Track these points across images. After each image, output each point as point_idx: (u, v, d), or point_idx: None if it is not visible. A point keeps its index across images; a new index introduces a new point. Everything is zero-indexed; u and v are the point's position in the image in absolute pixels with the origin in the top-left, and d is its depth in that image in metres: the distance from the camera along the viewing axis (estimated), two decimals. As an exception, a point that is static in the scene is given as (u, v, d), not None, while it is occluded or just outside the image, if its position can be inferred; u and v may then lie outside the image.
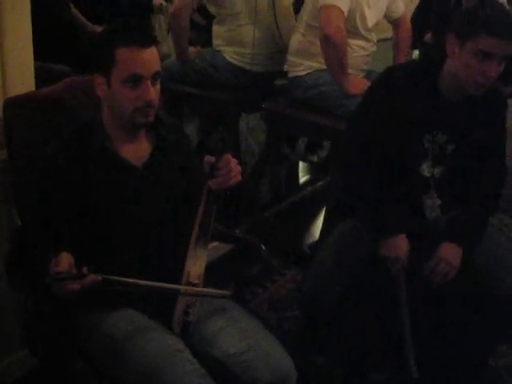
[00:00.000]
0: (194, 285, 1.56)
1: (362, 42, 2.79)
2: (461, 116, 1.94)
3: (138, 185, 1.63)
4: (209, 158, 1.55)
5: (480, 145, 1.99)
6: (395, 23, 2.96)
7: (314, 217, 3.33)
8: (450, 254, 1.96)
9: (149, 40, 1.55)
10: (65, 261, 1.40)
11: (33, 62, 1.87)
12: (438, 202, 2.02)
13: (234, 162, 1.56)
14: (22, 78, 1.84)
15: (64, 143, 1.61)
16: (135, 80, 1.52)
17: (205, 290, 1.56)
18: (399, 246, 1.94)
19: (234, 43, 2.94)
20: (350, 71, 2.71)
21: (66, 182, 1.56)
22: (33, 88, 1.87)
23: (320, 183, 3.59)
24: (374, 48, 2.87)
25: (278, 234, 3.07)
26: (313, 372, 1.99)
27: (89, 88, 1.81)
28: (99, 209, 1.58)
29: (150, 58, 1.54)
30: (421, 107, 1.92)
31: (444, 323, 2.14)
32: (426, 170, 1.98)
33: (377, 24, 2.84)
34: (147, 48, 1.53)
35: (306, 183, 3.76)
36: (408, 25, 2.99)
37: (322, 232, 2.82)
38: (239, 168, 1.57)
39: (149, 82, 1.54)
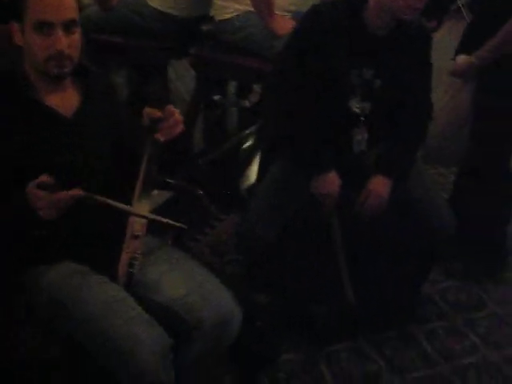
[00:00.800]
0: (137, 236, 1.56)
1: None
2: (386, 51, 1.97)
3: (69, 134, 1.60)
4: (151, 111, 1.53)
5: (405, 79, 2.03)
6: None
7: (249, 161, 3.35)
8: (380, 185, 2.02)
9: None
10: (46, 177, 1.40)
11: None
12: (366, 136, 2.06)
13: (177, 112, 1.55)
14: None
15: None
16: (45, 27, 1.48)
17: (169, 220, 1.57)
18: (330, 182, 1.99)
19: (159, -12, 2.86)
20: (276, 12, 2.68)
21: None
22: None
23: (253, 127, 3.59)
24: None
25: (215, 180, 3.08)
26: (256, 311, 2.04)
27: (6, 37, 1.77)
28: (32, 160, 1.55)
29: (60, 5, 1.49)
30: (347, 43, 1.94)
31: (377, 254, 2.22)
32: (355, 105, 2.02)
33: None
34: None
35: (239, 128, 3.76)
36: None
37: (258, 175, 2.85)
38: (181, 118, 1.56)
39: (60, 31, 1.49)
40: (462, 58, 2.39)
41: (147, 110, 1.54)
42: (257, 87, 4.15)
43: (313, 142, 2.00)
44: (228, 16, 2.75)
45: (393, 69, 2.00)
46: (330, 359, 2.16)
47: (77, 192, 1.41)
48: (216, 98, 3.86)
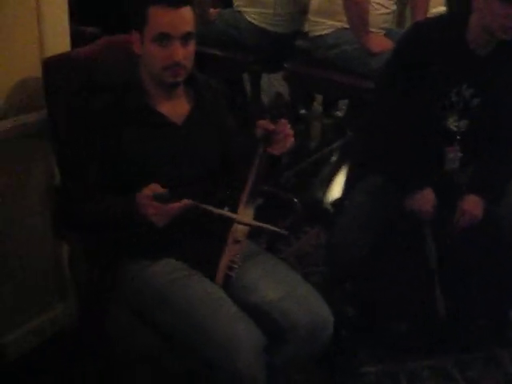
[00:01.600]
0: (238, 241, 1.63)
1: (382, 0, 2.79)
2: (487, 70, 1.98)
3: (178, 141, 1.68)
4: (264, 123, 1.58)
5: (504, 100, 2.03)
6: None
7: (333, 175, 3.38)
8: (474, 205, 2.02)
9: (180, 1, 1.56)
10: (157, 186, 1.49)
11: (68, 23, 1.91)
12: (460, 154, 2.07)
13: (289, 126, 1.60)
14: (59, 39, 1.88)
15: (104, 100, 1.66)
16: (164, 39, 1.56)
17: (270, 226, 1.62)
18: (425, 199, 2.01)
19: (255, 4, 2.96)
20: (370, 29, 2.73)
21: (108, 137, 1.62)
22: (69, 49, 1.91)
23: (338, 143, 3.63)
24: (395, 7, 2.89)
25: (300, 192, 3.12)
26: (343, 322, 2.06)
27: (124, 46, 1.87)
28: (140, 164, 1.64)
29: (179, 18, 1.56)
30: (449, 61, 1.96)
31: (468, 273, 2.20)
32: (451, 123, 2.03)
33: None
34: (179, 8, 1.55)
35: (324, 143, 3.81)
36: None
37: (344, 189, 2.88)
38: (292, 132, 1.61)
39: (177, 42, 1.57)
40: None
41: (261, 122, 1.58)
42: (341, 104, 4.21)
43: (409, 159, 2.02)
44: (322, 32, 2.82)
45: (492, 89, 2.00)
46: (411, 376, 2.15)
47: (187, 202, 1.49)
48: (302, 112, 3.93)
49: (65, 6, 1.88)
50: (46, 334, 2.13)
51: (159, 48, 1.57)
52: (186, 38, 1.58)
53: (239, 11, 3.02)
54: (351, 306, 2.16)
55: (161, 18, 1.55)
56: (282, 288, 1.64)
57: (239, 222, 1.62)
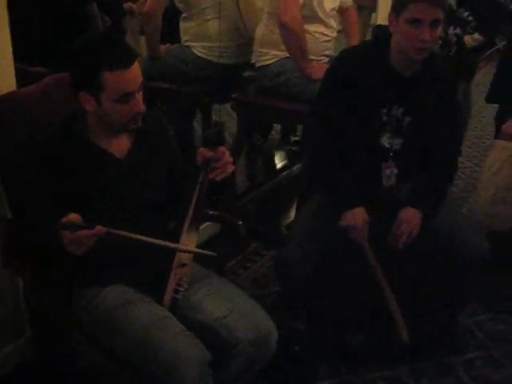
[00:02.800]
0: (184, 265, 1.69)
1: (321, 28, 2.90)
2: (413, 90, 2.10)
3: (122, 176, 1.74)
4: (204, 151, 1.65)
5: (433, 117, 2.14)
6: (345, 12, 3.09)
7: (290, 200, 3.47)
8: (411, 216, 2.11)
9: (132, 59, 1.61)
10: (75, 216, 1.53)
11: (13, 63, 1.97)
12: (395, 171, 2.17)
13: (227, 153, 1.67)
14: (3, 79, 1.93)
15: (50, 135, 1.71)
16: (126, 97, 1.62)
17: (196, 249, 1.69)
18: (356, 216, 2.08)
19: (202, 38, 3.06)
20: (311, 57, 2.84)
21: (51, 171, 1.66)
22: (14, 88, 1.97)
23: (295, 167, 3.73)
24: (335, 34, 3.00)
25: (256, 218, 3.20)
26: (294, 338, 2.12)
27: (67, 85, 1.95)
28: (86, 198, 1.69)
29: (135, 75, 1.62)
30: (375, 83, 2.07)
31: (413, 286, 2.28)
32: (385, 141, 2.14)
33: (335, 10, 2.96)
34: (131, 67, 1.61)
35: (283, 169, 3.90)
36: (355, 14, 3.14)
37: (296, 211, 2.96)
38: (231, 159, 1.69)
39: (137, 95, 1.64)
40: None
41: (201, 150, 1.65)
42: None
43: (342, 177, 2.11)
44: (267, 62, 2.93)
45: (421, 107, 2.12)
46: (368, 387, 2.22)
47: (99, 229, 1.52)
48: (259, 141, 4.03)
49: (9, 47, 1.94)
50: (5, 368, 2.15)
51: (121, 105, 1.63)
52: (140, 87, 1.65)
53: (187, 46, 3.12)
54: (301, 321, 2.21)
55: (119, 81, 1.59)
56: (227, 305, 1.70)
57: (177, 250, 1.68)
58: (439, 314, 2.34)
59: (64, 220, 1.52)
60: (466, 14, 2.83)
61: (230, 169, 1.69)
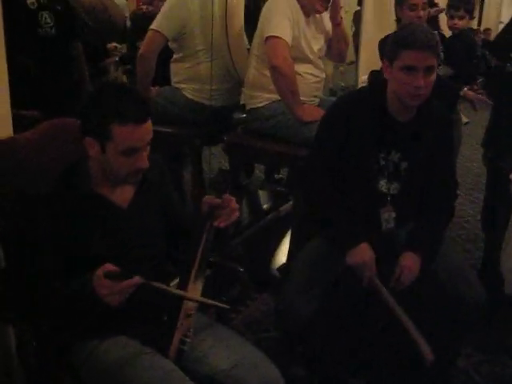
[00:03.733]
0: (190, 315, 1.66)
1: (311, 68, 2.93)
2: (410, 135, 2.11)
3: (124, 224, 1.72)
4: (210, 199, 1.64)
5: (430, 162, 2.16)
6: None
7: (279, 241, 3.45)
8: (411, 261, 2.10)
9: (145, 117, 1.60)
10: (111, 266, 1.49)
11: (10, 108, 1.95)
12: (393, 214, 2.17)
13: (233, 200, 1.66)
14: (1, 125, 1.92)
15: (53, 188, 1.68)
16: (132, 151, 1.60)
17: (213, 301, 1.65)
18: (363, 251, 2.06)
19: (193, 80, 3.07)
20: (302, 98, 2.85)
21: (54, 223, 1.63)
22: (11, 134, 1.95)
23: (282, 208, 3.72)
24: (324, 75, 3.04)
25: (246, 260, 3.18)
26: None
27: (66, 130, 1.94)
28: (88, 249, 1.65)
29: (146, 132, 1.61)
30: (373, 129, 2.09)
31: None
32: (383, 185, 2.15)
33: (322, 50, 2.99)
34: (144, 124, 1.60)
35: (268, 210, 3.89)
36: None
37: (289, 253, 2.95)
38: (237, 206, 1.68)
39: (143, 151, 1.63)
40: None
41: (207, 198, 1.65)
42: (283, 171, 4.35)
43: (343, 220, 2.10)
44: (258, 105, 2.93)
45: (418, 152, 2.13)
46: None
47: (137, 280, 1.50)
48: (244, 181, 4.03)
49: (6, 92, 1.92)
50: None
51: (125, 158, 1.61)
52: (147, 144, 1.65)
53: (177, 88, 3.12)
54: (300, 367, 2.18)
55: (128, 136, 1.57)
56: (233, 357, 1.67)
57: (189, 299, 1.64)
58: (437, 359, 2.33)
59: (101, 269, 1.48)
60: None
61: (236, 216, 1.68)
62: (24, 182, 1.79)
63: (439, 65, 3.00)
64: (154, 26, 2.98)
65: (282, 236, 3.48)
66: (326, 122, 2.21)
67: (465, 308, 2.15)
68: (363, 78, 4.32)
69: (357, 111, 2.11)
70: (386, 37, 3.59)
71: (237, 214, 1.68)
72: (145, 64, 3.02)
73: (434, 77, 2.02)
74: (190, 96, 3.08)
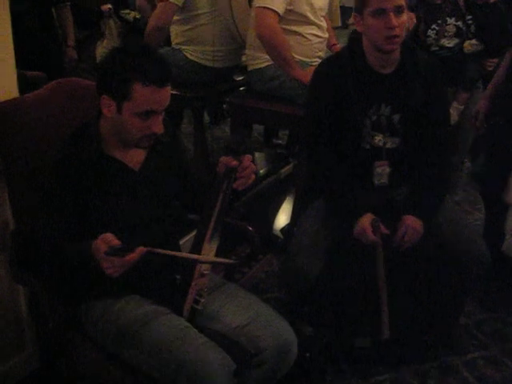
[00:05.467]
0: (204, 275, 1.67)
1: (314, 29, 2.90)
2: (397, 87, 2.11)
3: (137, 186, 1.71)
4: (228, 160, 1.61)
5: (422, 112, 2.14)
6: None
7: (281, 203, 3.46)
8: (415, 223, 2.11)
9: (167, 80, 1.58)
10: (110, 236, 1.47)
11: (15, 69, 1.92)
12: (388, 169, 2.17)
13: (251, 162, 1.64)
14: (7, 86, 1.89)
15: (61, 152, 1.66)
16: (148, 114, 1.58)
17: (221, 259, 1.66)
18: (364, 224, 2.06)
19: (194, 41, 3.04)
20: (305, 59, 2.84)
21: (67, 189, 1.62)
22: (17, 94, 1.92)
23: (283, 170, 3.72)
24: (327, 35, 3.01)
25: (249, 222, 3.18)
26: (302, 342, 2.11)
27: (73, 90, 1.92)
28: (101, 210, 1.65)
29: (165, 96, 1.59)
30: (357, 85, 2.09)
31: (414, 287, 2.30)
32: (380, 140, 2.15)
33: (324, 9, 2.96)
34: (165, 87, 1.58)
35: (268, 172, 3.89)
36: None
37: (293, 215, 2.96)
38: (255, 168, 1.66)
39: (160, 116, 1.61)
40: None
41: (225, 159, 1.62)
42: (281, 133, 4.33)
43: (345, 191, 2.11)
44: (260, 66, 2.90)
45: (407, 104, 2.13)
46: (374, 390, 2.24)
47: (142, 249, 1.47)
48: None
49: (11, 53, 1.89)
50: (7, 383, 2.09)
51: (141, 120, 1.59)
52: (164, 109, 1.62)
53: (178, 49, 3.09)
54: (310, 326, 2.21)
55: (148, 97, 1.56)
56: (247, 314, 1.69)
57: (201, 262, 1.65)
58: (441, 315, 2.37)
59: (100, 241, 1.46)
60: (469, 18, 2.83)
61: (253, 178, 1.67)
62: (34, 142, 1.79)
63: (469, 38, 2.91)
64: None
65: (284, 198, 3.49)
66: (312, 89, 2.22)
67: (468, 264, 2.18)
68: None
69: (339, 72, 2.12)
70: None
71: (253, 176, 1.66)
72: (158, 36, 2.98)
73: (405, 17, 2.03)
74: (191, 57, 3.05)
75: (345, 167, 2.15)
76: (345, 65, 2.12)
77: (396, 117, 2.14)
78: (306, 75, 2.76)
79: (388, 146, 2.16)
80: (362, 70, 2.10)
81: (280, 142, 4.27)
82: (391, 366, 2.30)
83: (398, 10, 1.99)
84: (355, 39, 2.15)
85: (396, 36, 2.01)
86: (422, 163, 2.19)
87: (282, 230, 3.18)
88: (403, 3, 2.00)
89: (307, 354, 2.09)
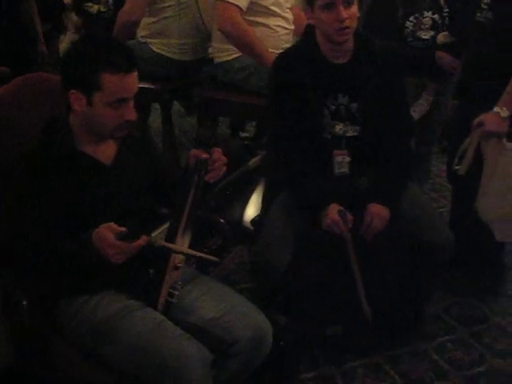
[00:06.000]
0: (177, 268, 1.68)
1: (280, 21, 2.89)
2: (352, 77, 2.16)
3: (109, 181, 1.71)
4: (198, 153, 1.63)
5: (380, 100, 2.18)
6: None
7: (250, 194, 3.47)
8: (380, 210, 2.15)
9: (133, 65, 1.59)
10: (114, 225, 1.51)
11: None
12: (348, 159, 2.21)
13: (221, 154, 1.66)
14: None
15: (31, 146, 1.66)
16: (120, 102, 1.58)
17: (204, 254, 1.70)
18: (332, 214, 2.09)
19: (160, 35, 3.03)
20: (272, 51, 2.80)
21: (40, 183, 1.61)
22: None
23: (251, 162, 3.73)
24: (293, 26, 3.00)
25: (219, 214, 3.19)
26: (277, 331, 2.13)
27: (42, 86, 1.90)
28: (77, 207, 1.65)
29: (133, 81, 1.60)
30: (314, 75, 2.13)
31: (382, 274, 2.34)
32: (340, 129, 2.19)
33: (289, 1, 2.95)
34: (132, 73, 1.59)
35: (236, 165, 3.89)
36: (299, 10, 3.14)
37: (263, 206, 2.97)
38: (225, 160, 1.68)
39: (131, 102, 1.61)
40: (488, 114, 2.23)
41: (195, 152, 1.64)
42: (249, 125, 4.34)
43: (305, 183, 2.15)
44: (228, 58, 2.89)
45: (365, 92, 2.17)
46: (346, 375, 2.27)
47: (144, 239, 1.53)
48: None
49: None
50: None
51: (113, 110, 1.59)
52: (134, 95, 1.63)
53: (144, 42, 3.07)
54: (283, 315, 2.23)
55: (118, 85, 1.57)
56: (221, 305, 1.71)
57: (178, 253, 1.65)
58: (408, 301, 2.41)
59: (106, 229, 1.50)
60: (446, 11, 2.87)
61: (223, 170, 1.68)
62: (3, 138, 1.76)
63: (444, 30, 2.94)
64: None
65: (253, 189, 3.50)
66: (271, 80, 2.26)
67: (433, 251, 2.22)
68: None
69: (296, 63, 2.16)
70: None
71: (224, 168, 1.68)
72: (129, 31, 2.98)
73: (355, 8, 2.08)
74: (157, 50, 3.04)
75: (307, 157, 2.18)
76: (300, 56, 2.16)
77: (354, 105, 2.18)
78: None
79: (349, 134, 2.19)
80: (316, 60, 2.15)
81: (247, 134, 4.28)
82: (363, 352, 2.35)
83: (348, 2, 2.03)
84: (309, 32, 2.19)
85: (347, 27, 2.05)
86: (383, 150, 2.22)
87: (252, 221, 3.19)
88: None
89: (281, 343, 2.11)
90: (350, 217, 2.11)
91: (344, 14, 2.02)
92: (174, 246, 1.63)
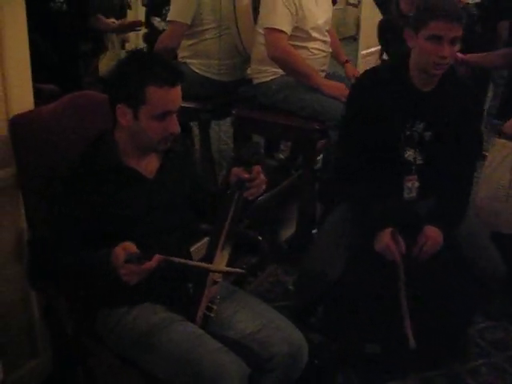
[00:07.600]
0: (216, 283, 1.71)
1: (318, 44, 2.96)
2: (434, 105, 2.16)
3: (152, 195, 1.75)
4: (239, 171, 1.66)
5: (454, 131, 2.20)
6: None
7: (285, 214, 3.50)
8: (435, 233, 2.16)
9: (178, 79, 1.63)
10: (129, 244, 1.51)
11: (31, 81, 1.96)
12: (417, 184, 2.23)
13: (262, 173, 1.68)
14: (23, 98, 1.92)
15: (77, 162, 1.70)
16: (165, 115, 1.63)
17: (230, 268, 1.70)
18: (386, 239, 2.10)
19: (200, 55, 3.10)
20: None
21: (83, 199, 1.65)
22: (32, 107, 1.95)
23: (285, 182, 3.76)
24: (330, 49, 3.07)
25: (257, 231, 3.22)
26: (311, 349, 2.15)
27: (88, 103, 1.96)
28: (117, 219, 1.68)
29: (178, 95, 1.64)
30: (397, 100, 2.14)
31: (429, 297, 2.33)
32: (410, 155, 2.20)
33: (328, 23, 3.03)
34: (177, 86, 1.63)
35: (270, 184, 3.92)
36: (334, 33, 3.26)
37: (297, 226, 3.00)
38: (266, 179, 1.70)
39: (175, 116, 1.66)
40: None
41: (236, 170, 1.67)
42: (283, 146, 4.38)
43: (370, 203, 2.16)
44: (266, 79, 2.97)
45: (441, 122, 2.18)
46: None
47: (159, 258, 1.51)
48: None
49: (28, 66, 1.92)
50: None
51: (158, 122, 1.63)
52: (178, 109, 1.67)
53: (184, 62, 3.13)
54: (318, 333, 2.24)
55: (162, 98, 1.60)
56: (259, 320, 1.73)
57: (213, 271, 1.68)
58: (451, 326, 2.39)
59: (121, 249, 1.50)
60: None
61: (263, 189, 1.71)
62: (48, 154, 1.82)
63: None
64: (172, 17, 3.03)
65: (288, 208, 3.53)
66: (351, 99, 2.27)
67: (484, 279, 2.22)
68: (363, 53, 4.37)
69: (380, 85, 2.17)
70: (385, 20, 3.63)
71: (264, 187, 1.71)
72: (167, 56, 3.00)
73: (457, 47, 2.09)
74: (197, 70, 3.10)
75: (375, 179, 2.19)
76: (386, 79, 2.17)
77: (427, 134, 2.19)
78: (333, 88, 2.86)
79: (418, 161, 2.21)
80: (402, 85, 2.15)
81: (281, 156, 4.32)
82: (398, 373, 2.34)
83: (454, 41, 2.03)
84: (399, 55, 2.20)
85: (446, 64, 2.06)
86: (449, 177, 2.23)
87: (286, 240, 3.22)
88: (460, 34, 2.03)
89: (316, 361, 2.12)
90: (401, 242, 2.11)
91: (448, 51, 2.02)
92: (191, 263, 1.64)
